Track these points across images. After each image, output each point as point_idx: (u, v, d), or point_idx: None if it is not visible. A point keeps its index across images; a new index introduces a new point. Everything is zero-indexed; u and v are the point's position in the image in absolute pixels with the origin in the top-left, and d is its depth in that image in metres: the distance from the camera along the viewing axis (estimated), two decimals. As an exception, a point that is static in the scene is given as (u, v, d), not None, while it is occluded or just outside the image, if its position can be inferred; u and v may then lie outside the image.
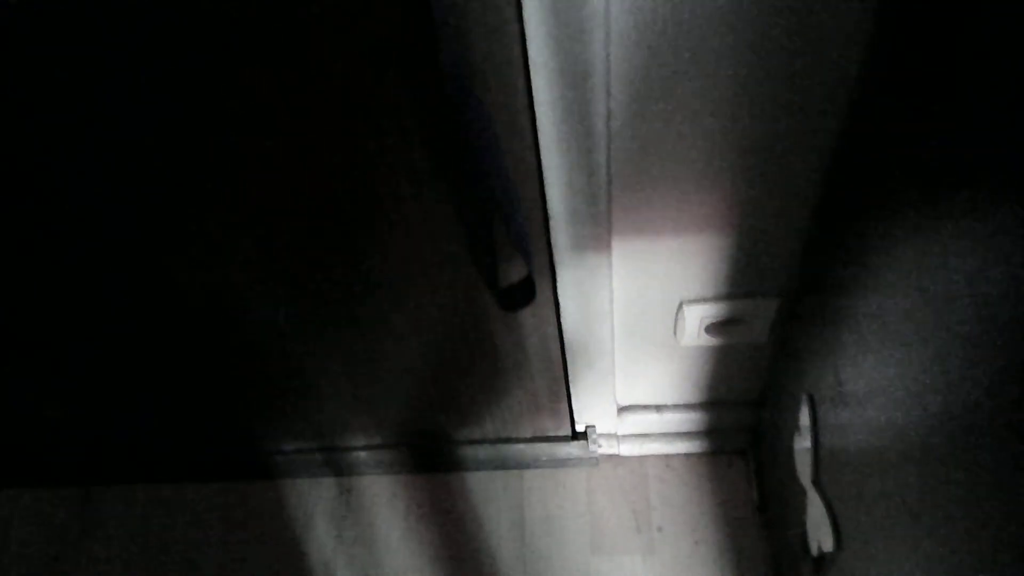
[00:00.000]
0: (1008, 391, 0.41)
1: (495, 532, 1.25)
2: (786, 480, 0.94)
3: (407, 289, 0.90)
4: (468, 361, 1.04)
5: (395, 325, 0.96)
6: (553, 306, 0.92)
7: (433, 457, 1.29)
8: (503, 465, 1.29)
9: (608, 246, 0.82)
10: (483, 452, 1.26)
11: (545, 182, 0.73)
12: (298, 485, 1.33)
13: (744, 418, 1.18)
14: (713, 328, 0.96)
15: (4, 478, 1.38)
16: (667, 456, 1.28)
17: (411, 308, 0.93)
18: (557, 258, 0.84)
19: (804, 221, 0.79)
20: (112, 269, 0.90)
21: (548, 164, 0.71)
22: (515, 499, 1.28)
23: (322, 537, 1.28)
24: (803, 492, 0.84)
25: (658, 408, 1.19)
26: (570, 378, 1.08)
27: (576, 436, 1.23)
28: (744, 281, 0.88)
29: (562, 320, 0.94)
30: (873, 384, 0.62)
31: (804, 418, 0.83)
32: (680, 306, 0.93)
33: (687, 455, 1.27)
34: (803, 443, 0.84)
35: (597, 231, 0.80)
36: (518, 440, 1.24)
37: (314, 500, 1.31)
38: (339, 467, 1.31)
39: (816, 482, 0.81)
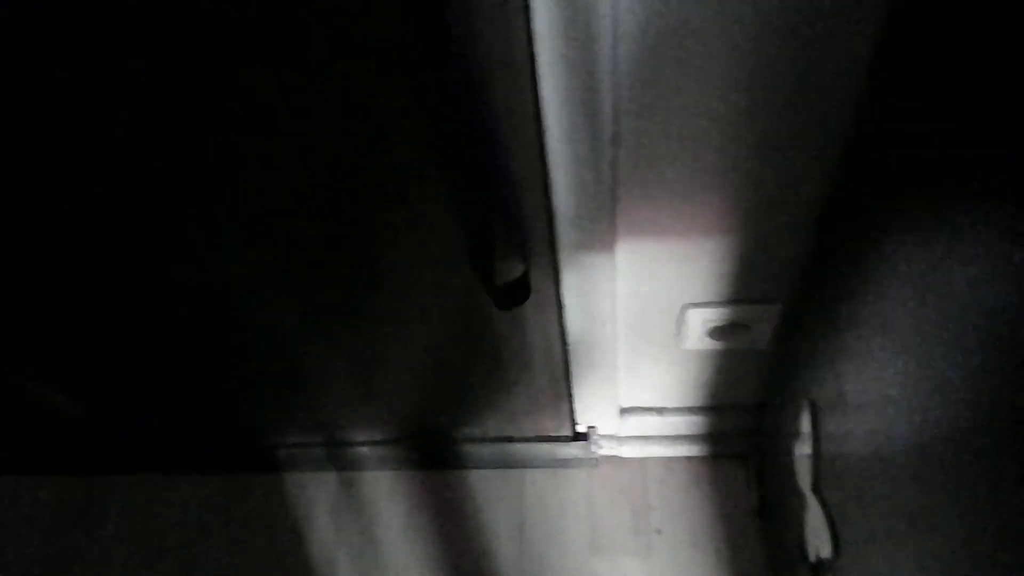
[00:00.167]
0: (1009, 400, 0.41)
1: (494, 530, 1.25)
2: (786, 486, 0.94)
3: (411, 286, 0.90)
4: (471, 359, 1.04)
5: (399, 322, 0.97)
6: (556, 306, 0.92)
7: (434, 454, 1.29)
8: (504, 464, 1.29)
9: (613, 247, 0.82)
10: (484, 451, 1.27)
11: (551, 182, 0.73)
12: (299, 479, 1.33)
13: (745, 423, 1.18)
14: (716, 332, 0.96)
15: (7, 468, 1.39)
16: (668, 459, 1.28)
17: (415, 305, 0.93)
18: (561, 258, 0.84)
19: (808, 227, 0.79)
20: (114, 268, 0.90)
21: (554, 164, 0.71)
22: (515, 498, 1.28)
23: (322, 531, 1.28)
24: (802, 498, 0.84)
25: (660, 410, 1.19)
26: (572, 379, 1.08)
27: (577, 437, 1.23)
28: (748, 286, 0.88)
29: (565, 320, 0.94)
30: (874, 392, 0.62)
31: (805, 424, 0.83)
32: (683, 309, 0.93)
33: (688, 458, 1.27)
34: (803, 449, 0.84)
35: (602, 232, 0.80)
36: (519, 439, 1.24)
37: (315, 494, 1.32)
38: (340, 462, 1.31)
39: (816, 489, 0.81)
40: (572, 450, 1.24)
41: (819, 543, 0.79)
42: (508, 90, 0.64)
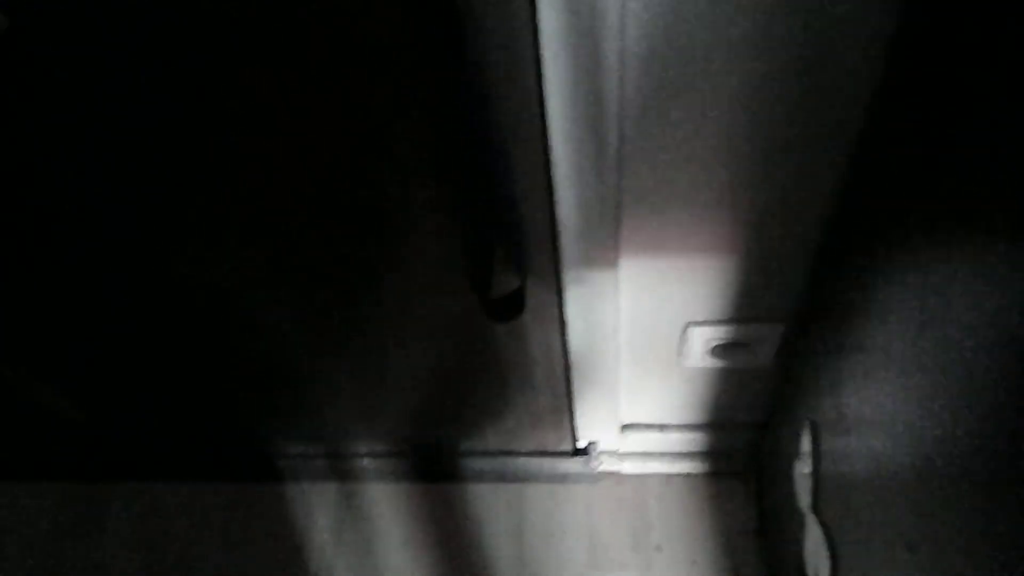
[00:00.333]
0: (1008, 422, 0.41)
1: (493, 544, 1.25)
2: (785, 504, 0.94)
3: (414, 298, 0.90)
4: (473, 373, 1.04)
5: (401, 335, 0.97)
6: (559, 322, 0.92)
7: (435, 467, 1.29)
8: (504, 478, 1.29)
9: (616, 263, 0.83)
10: (484, 464, 1.27)
11: (555, 198, 0.74)
12: (300, 489, 1.33)
13: (746, 441, 1.18)
14: (718, 351, 0.96)
15: (7, 474, 1.39)
16: (668, 475, 1.28)
17: (418, 317, 0.94)
18: (565, 274, 0.84)
19: (812, 249, 0.80)
20: (114, 269, 0.90)
21: (559, 180, 0.72)
22: (515, 512, 1.28)
23: (322, 541, 1.28)
24: (802, 517, 0.84)
25: (661, 427, 1.19)
26: (574, 394, 1.08)
27: (578, 452, 1.23)
28: (750, 306, 0.88)
29: (568, 336, 0.95)
30: (874, 413, 0.62)
31: (805, 444, 0.83)
32: (686, 327, 0.93)
33: (688, 475, 1.27)
34: (803, 469, 0.84)
35: (606, 248, 0.80)
36: (520, 454, 1.24)
37: (315, 504, 1.31)
38: (341, 473, 1.31)
39: (815, 508, 0.81)
40: (573, 465, 1.24)
41: (818, 562, 0.79)
42: (514, 104, 0.64)
